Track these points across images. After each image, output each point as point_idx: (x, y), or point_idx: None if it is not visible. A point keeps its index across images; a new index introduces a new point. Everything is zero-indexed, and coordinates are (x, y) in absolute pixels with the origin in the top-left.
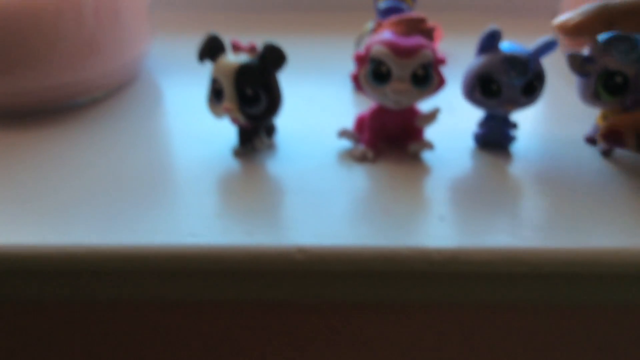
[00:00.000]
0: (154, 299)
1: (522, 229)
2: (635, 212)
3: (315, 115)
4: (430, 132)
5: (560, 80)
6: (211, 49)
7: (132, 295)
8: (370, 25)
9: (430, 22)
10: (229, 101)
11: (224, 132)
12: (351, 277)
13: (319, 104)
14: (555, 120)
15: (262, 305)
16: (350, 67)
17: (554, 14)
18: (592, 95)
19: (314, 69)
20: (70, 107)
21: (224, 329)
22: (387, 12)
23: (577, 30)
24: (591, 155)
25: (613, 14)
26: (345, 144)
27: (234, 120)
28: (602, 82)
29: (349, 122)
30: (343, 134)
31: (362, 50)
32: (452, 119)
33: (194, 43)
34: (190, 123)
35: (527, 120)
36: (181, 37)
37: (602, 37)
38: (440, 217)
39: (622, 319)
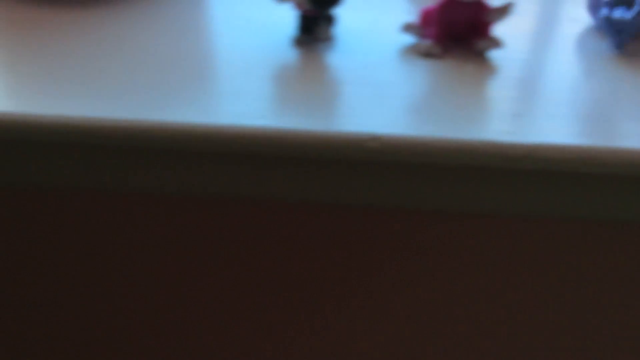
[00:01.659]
0: (207, 189)
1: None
2: None
3: (374, 9)
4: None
5: None
6: None
7: (187, 181)
8: None
9: None
10: None
11: (280, 21)
12: (424, 170)
13: None
14: None
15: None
16: None
17: None
18: None
19: None
20: None
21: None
22: None
23: None
24: None
25: None
26: (407, 39)
27: (299, 6)
28: None
29: (406, 18)
30: (408, 28)
31: None
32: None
33: None
34: (249, 10)
35: None
36: None
37: None
38: (514, 114)
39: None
